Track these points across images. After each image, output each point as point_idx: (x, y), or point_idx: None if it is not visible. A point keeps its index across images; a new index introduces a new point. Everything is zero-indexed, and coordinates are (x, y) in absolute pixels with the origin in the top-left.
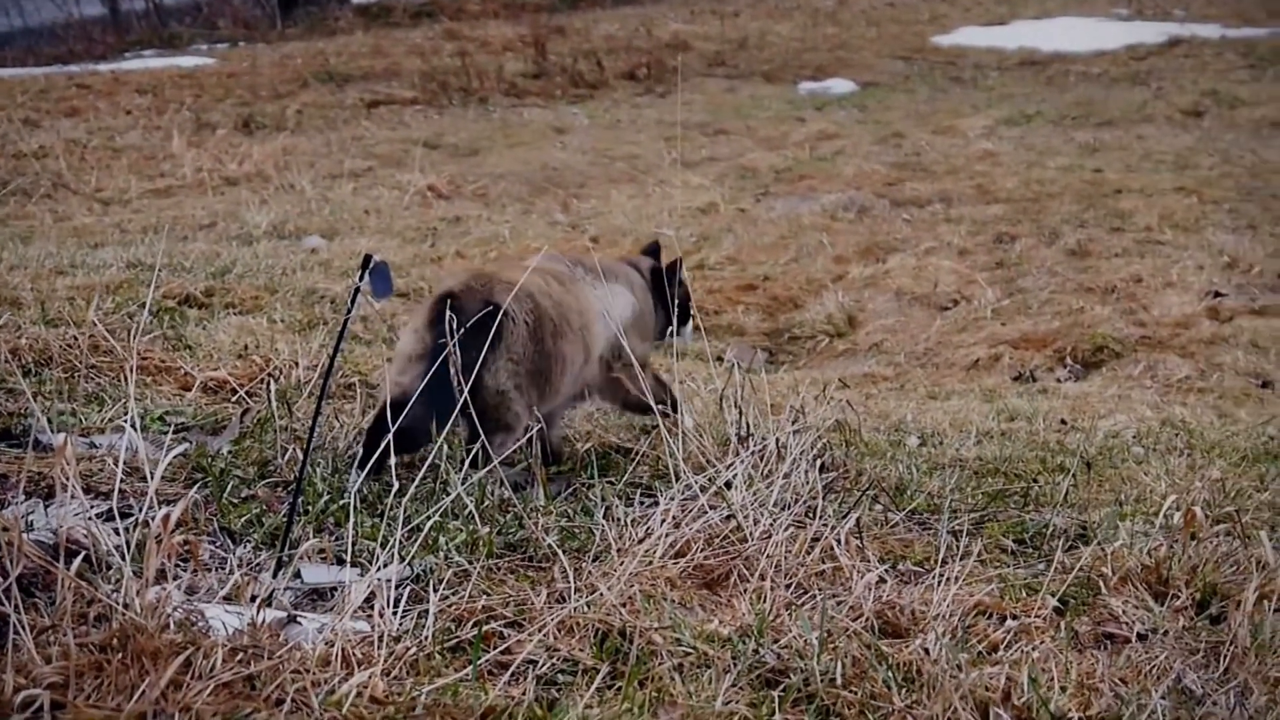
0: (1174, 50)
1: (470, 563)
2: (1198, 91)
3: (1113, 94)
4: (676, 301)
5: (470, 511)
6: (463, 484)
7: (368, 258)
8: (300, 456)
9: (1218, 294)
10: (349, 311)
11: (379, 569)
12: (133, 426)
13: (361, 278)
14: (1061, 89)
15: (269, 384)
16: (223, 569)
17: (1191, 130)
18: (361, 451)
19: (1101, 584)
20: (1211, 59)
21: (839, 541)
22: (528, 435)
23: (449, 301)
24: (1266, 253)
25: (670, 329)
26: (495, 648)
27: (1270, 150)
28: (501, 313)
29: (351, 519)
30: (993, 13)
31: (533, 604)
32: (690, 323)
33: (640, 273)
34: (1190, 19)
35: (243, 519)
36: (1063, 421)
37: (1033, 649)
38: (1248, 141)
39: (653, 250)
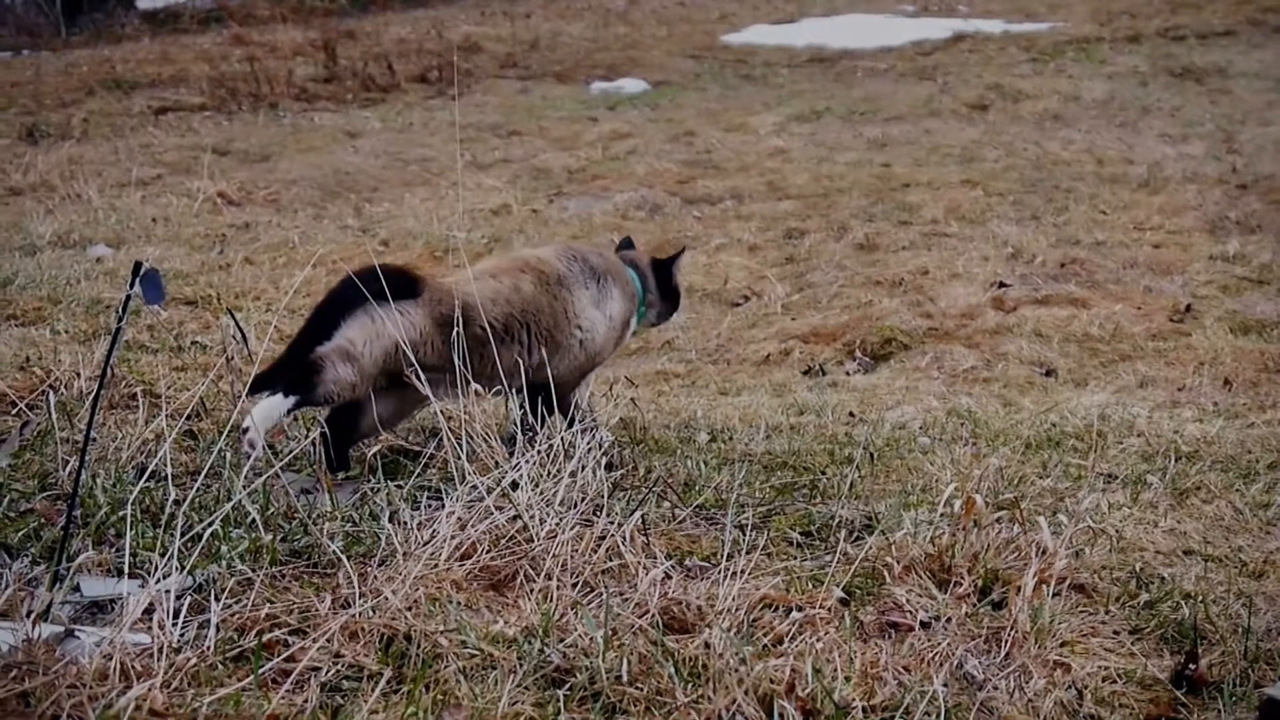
0: (959, 45)
1: (254, 571)
2: (982, 85)
3: (900, 89)
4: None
5: (254, 519)
6: (246, 490)
7: (138, 265)
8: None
9: (1002, 284)
10: (120, 320)
11: (159, 580)
12: None
13: (132, 285)
14: (850, 85)
15: (49, 396)
16: None
17: (977, 124)
18: None
19: (886, 573)
20: (995, 53)
21: (625, 539)
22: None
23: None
24: (1049, 243)
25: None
26: (279, 656)
27: (1052, 142)
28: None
29: (129, 529)
30: (782, 11)
31: (317, 611)
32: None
33: (641, 270)
34: (974, 14)
35: (20, 533)
36: (851, 414)
37: (817, 640)
38: (1031, 134)
39: (628, 243)
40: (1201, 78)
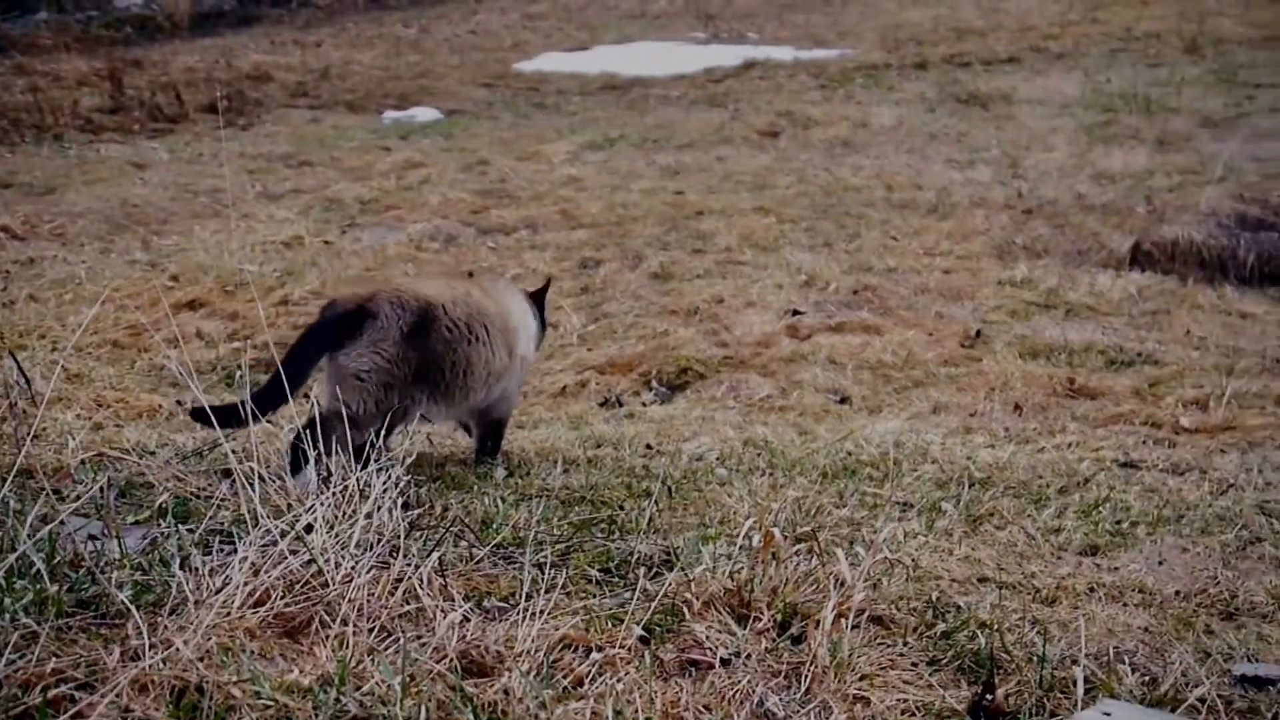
0: (749, 72)
1: (39, 624)
2: (773, 112)
3: (692, 116)
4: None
5: (38, 569)
6: (32, 540)
7: None
8: None
9: (796, 312)
10: None
11: None
12: None
13: None
14: (643, 113)
15: None
16: None
17: (768, 150)
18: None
19: (686, 610)
20: (785, 80)
21: (423, 581)
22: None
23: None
24: (842, 269)
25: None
26: (65, 713)
27: (843, 168)
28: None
29: None
30: (574, 39)
31: (105, 664)
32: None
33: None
34: (764, 41)
35: None
36: (648, 446)
37: (618, 681)
38: (822, 160)
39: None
40: (987, 104)
